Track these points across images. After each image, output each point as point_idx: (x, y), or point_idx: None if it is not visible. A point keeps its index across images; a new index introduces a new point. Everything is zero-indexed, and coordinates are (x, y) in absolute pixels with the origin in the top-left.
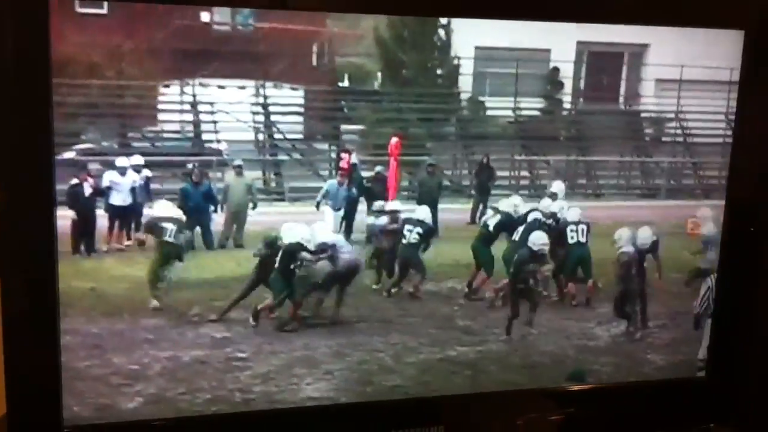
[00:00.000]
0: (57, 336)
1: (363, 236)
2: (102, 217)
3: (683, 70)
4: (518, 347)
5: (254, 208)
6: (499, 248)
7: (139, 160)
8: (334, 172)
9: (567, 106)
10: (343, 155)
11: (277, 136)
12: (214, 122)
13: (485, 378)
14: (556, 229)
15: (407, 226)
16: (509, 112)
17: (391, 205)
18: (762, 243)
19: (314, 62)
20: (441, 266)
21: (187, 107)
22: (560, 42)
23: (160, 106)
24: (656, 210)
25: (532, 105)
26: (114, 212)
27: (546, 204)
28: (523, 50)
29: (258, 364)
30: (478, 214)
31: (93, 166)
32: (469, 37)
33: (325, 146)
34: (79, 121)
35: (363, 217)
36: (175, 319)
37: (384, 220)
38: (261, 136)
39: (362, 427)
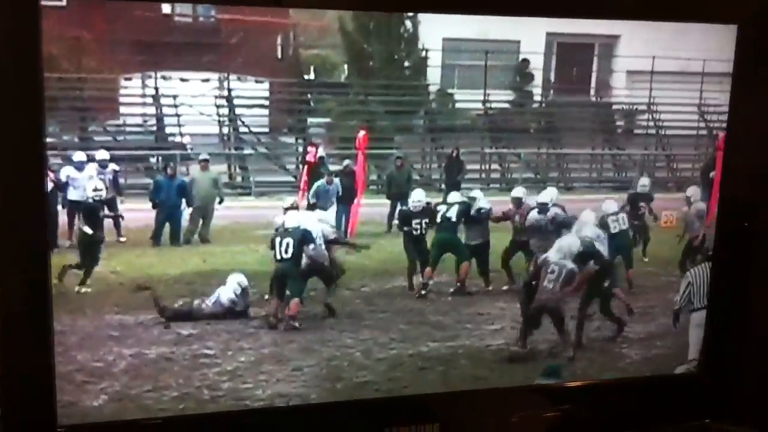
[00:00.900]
0: (51, 336)
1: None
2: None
3: (655, 61)
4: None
5: (220, 202)
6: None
7: (104, 155)
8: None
9: (537, 98)
10: (310, 148)
11: (242, 129)
12: (178, 115)
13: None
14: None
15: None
16: (479, 105)
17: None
18: (755, 238)
19: (279, 54)
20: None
21: (150, 100)
22: (530, 33)
23: (121, 99)
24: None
25: (501, 97)
26: (72, 207)
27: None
28: (492, 42)
29: (226, 361)
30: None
31: (54, 161)
32: (436, 28)
33: (291, 140)
34: None
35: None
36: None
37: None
38: (225, 130)
39: (359, 424)
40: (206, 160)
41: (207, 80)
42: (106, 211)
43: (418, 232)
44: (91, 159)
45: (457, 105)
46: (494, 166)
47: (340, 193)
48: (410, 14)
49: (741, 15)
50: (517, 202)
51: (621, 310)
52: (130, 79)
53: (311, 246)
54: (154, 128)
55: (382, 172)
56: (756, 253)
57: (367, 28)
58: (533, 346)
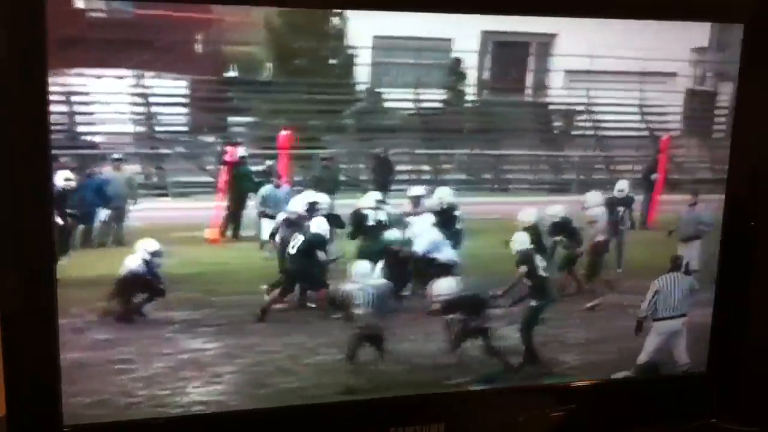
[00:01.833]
0: (56, 335)
1: None
2: None
3: (594, 60)
4: None
5: (135, 203)
6: None
7: None
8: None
9: (471, 97)
10: (228, 148)
11: (158, 128)
12: (90, 113)
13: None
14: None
15: None
16: (410, 104)
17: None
18: (761, 238)
19: (199, 50)
20: None
21: (61, 98)
22: (463, 32)
23: None
24: (568, 206)
25: (433, 96)
26: None
27: None
28: (424, 40)
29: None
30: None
31: None
32: (366, 25)
33: (211, 139)
34: None
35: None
36: None
37: None
38: (141, 129)
39: (363, 424)
40: (120, 160)
41: (122, 77)
42: None
43: None
44: None
45: (387, 104)
46: (425, 167)
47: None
48: (338, 11)
49: (747, 14)
50: (416, 201)
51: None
52: None
53: None
54: (66, 127)
55: (308, 172)
56: (761, 252)
57: (292, 24)
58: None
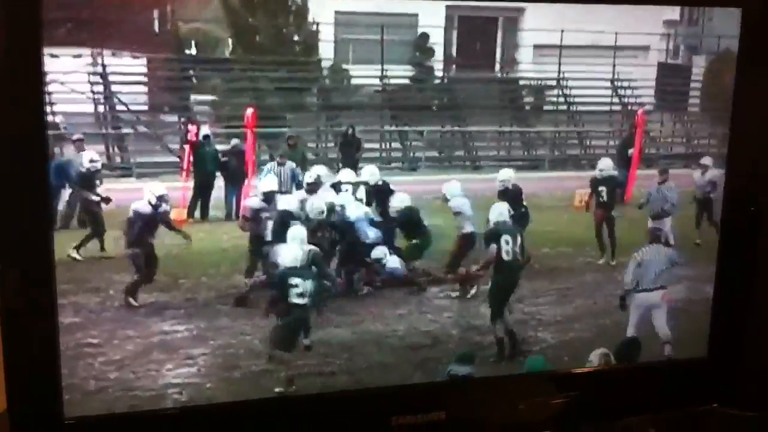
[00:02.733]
0: (56, 327)
1: None
2: None
3: (564, 34)
4: None
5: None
6: None
7: None
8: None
9: (438, 73)
10: (191, 127)
11: (119, 107)
12: (48, 93)
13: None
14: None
15: None
16: (376, 81)
17: None
18: (762, 222)
19: (156, 28)
20: None
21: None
22: (428, 6)
23: None
24: (540, 182)
25: (400, 73)
26: None
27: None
28: (388, 15)
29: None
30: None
31: None
32: (328, 1)
33: (174, 118)
34: None
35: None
36: None
37: None
38: (101, 108)
39: (364, 413)
40: (81, 140)
41: (79, 56)
42: None
43: None
44: None
45: (353, 81)
46: (396, 144)
47: (299, 174)
48: None
49: None
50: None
51: None
52: None
53: None
54: None
55: (274, 151)
56: (763, 236)
57: (251, 0)
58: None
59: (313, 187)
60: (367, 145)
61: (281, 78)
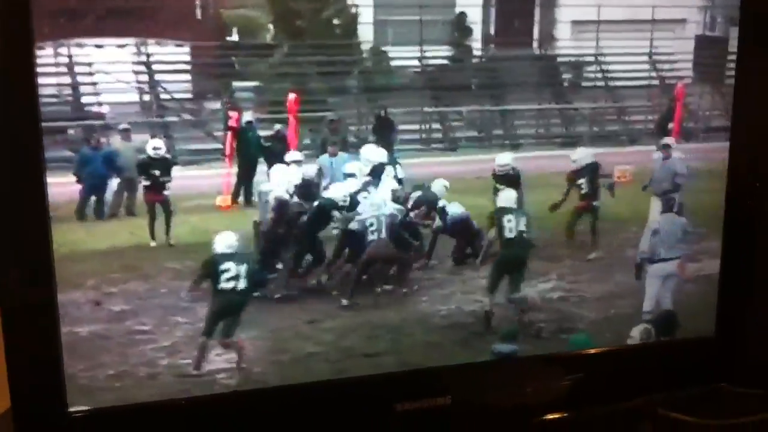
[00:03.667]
0: (57, 321)
1: None
2: None
3: (601, 10)
4: None
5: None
6: None
7: None
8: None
9: (477, 53)
10: (231, 113)
11: (163, 96)
12: (94, 84)
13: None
14: None
15: None
16: (415, 62)
17: None
18: (767, 200)
19: (199, 15)
20: None
21: (64, 69)
22: None
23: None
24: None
25: (439, 53)
26: None
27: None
28: None
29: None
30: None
31: None
32: None
33: (217, 105)
34: None
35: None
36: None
37: None
38: (146, 97)
39: (369, 399)
40: (127, 130)
41: (123, 46)
42: None
43: None
44: None
45: (393, 63)
46: (435, 125)
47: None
48: None
49: None
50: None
51: None
52: (42, 48)
53: None
54: (70, 98)
55: (317, 135)
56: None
57: None
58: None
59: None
60: (406, 127)
61: (323, 62)
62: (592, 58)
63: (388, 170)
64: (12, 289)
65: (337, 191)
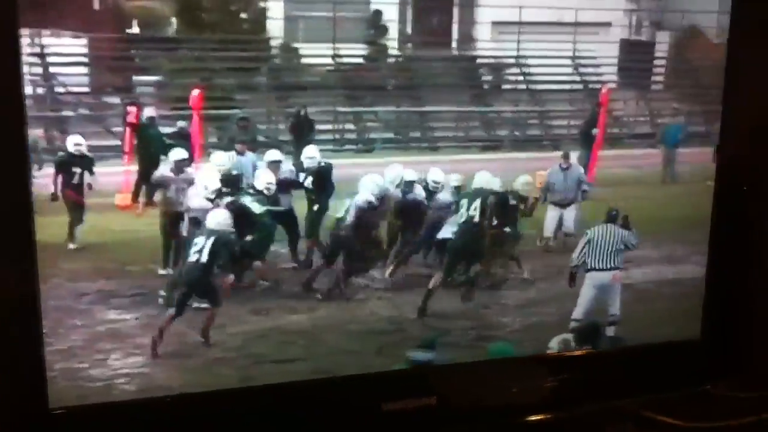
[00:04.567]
0: (39, 318)
1: None
2: None
3: (522, 11)
4: None
5: (39, 169)
6: None
7: None
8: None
9: (393, 52)
10: (130, 109)
11: (58, 89)
12: None
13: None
14: None
15: None
16: (329, 60)
17: None
18: (755, 200)
19: (96, 5)
20: None
21: None
22: None
23: None
24: (500, 163)
25: (353, 52)
26: None
27: None
28: None
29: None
30: None
31: None
32: None
33: (116, 100)
34: None
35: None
36: None
37: None
38: (40, 90)
39: (353, 399)
40: None
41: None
42: None
43: None
44: None
45: (304, 60)
46: (349, 126)
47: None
48: None
49: None
50: (275, 166)
51: None
52: None
53: None
54: None
55: (224, 133)
56: (757, 215)
57: None
58: None
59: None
60: (320, 127)
61: (229, 57)
62: (513, 61)
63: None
64: None
65: None
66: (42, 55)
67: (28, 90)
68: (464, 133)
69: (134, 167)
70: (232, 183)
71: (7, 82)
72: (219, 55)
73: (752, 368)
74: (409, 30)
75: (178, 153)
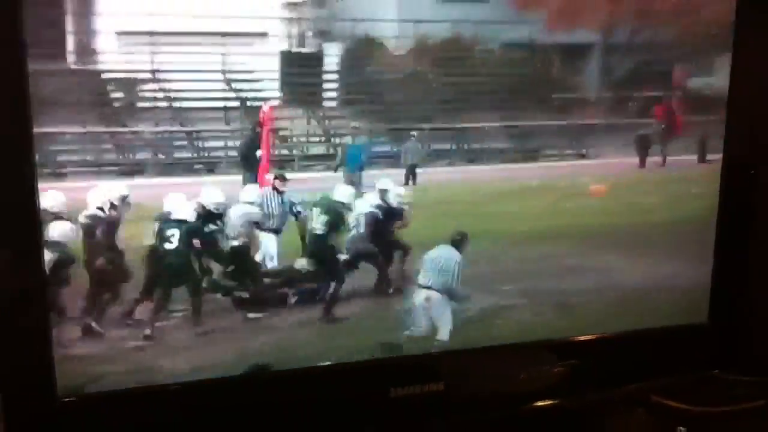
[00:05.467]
0: (46, 308)
1: None
2: None
3: (156, 19)
4: None
5: None
6: None
7: None
8: None
9: None
10: None
11: None
12: None
13: None
14: None
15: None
16: None
17: None
18: (761, 187)
19: None
20: None
21: None
22: None
23: None
24: (144, 190)
25: None
26: None
27: None
28: None
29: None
30: None
31: None
32: None
33: None
34: None
35: None
36: None
37: None
38: None
39: (360, 385)
40: None
41: None
42: None
43: None
44: None
45: None
46: None
47: None
48: None
49: None
50: None
51: None
52: None
53: None
54: None
55: None
56: (762, 201)
57: None
58: None
59: None
60: None
61: None
62: (149, 75)
63: None
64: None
65: None
66: None
67: None
68: (93, 157)
69: None
70: None
71: None
72: None
73: (760, 352)
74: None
75: None
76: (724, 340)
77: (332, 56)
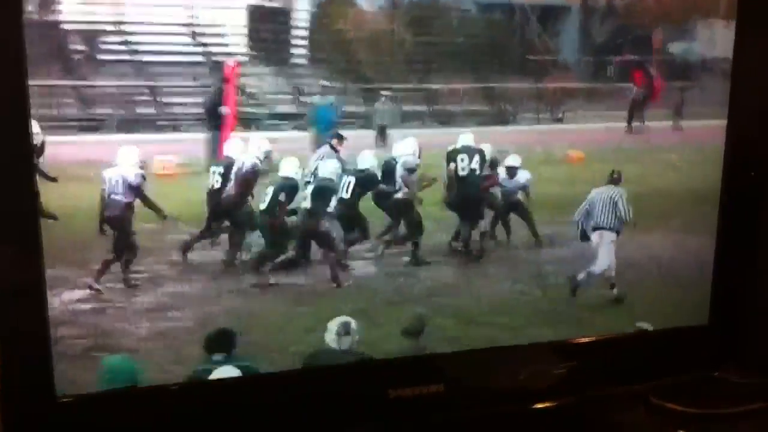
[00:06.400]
0: (45, 305)
1: None
2: None
3: None
4: None
5: None
6: None
7: None
8: None
9: None
10: None
11: None
12: None
13: None
14: None
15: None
16: None
17: None
18: (764, 185)
19: None
20: None
21: None
22: None
23: None
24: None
25: None
26: None
27: None
28: None
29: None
30: None
31: None
32: None
33: None
34: None
35: None
36: None
37: None
38: None
39: (359, 385)
40: None
41: None
42: None
43: None
44: None
45: None
46: None
47: None
48: None
49: None
50: None
51: None
52: None
53: None
54: None
55: None
56: (763, 201)
57: None
58: None
59: None
60: None
61: None
62: (112, 27)
63: None
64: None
65: None
66: None
67: None
68: (57, 111)
69: None
70: None
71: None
72: None
73: (760, 354)
74: None
75: None
76: (725, 342)
77: (301, 11)
